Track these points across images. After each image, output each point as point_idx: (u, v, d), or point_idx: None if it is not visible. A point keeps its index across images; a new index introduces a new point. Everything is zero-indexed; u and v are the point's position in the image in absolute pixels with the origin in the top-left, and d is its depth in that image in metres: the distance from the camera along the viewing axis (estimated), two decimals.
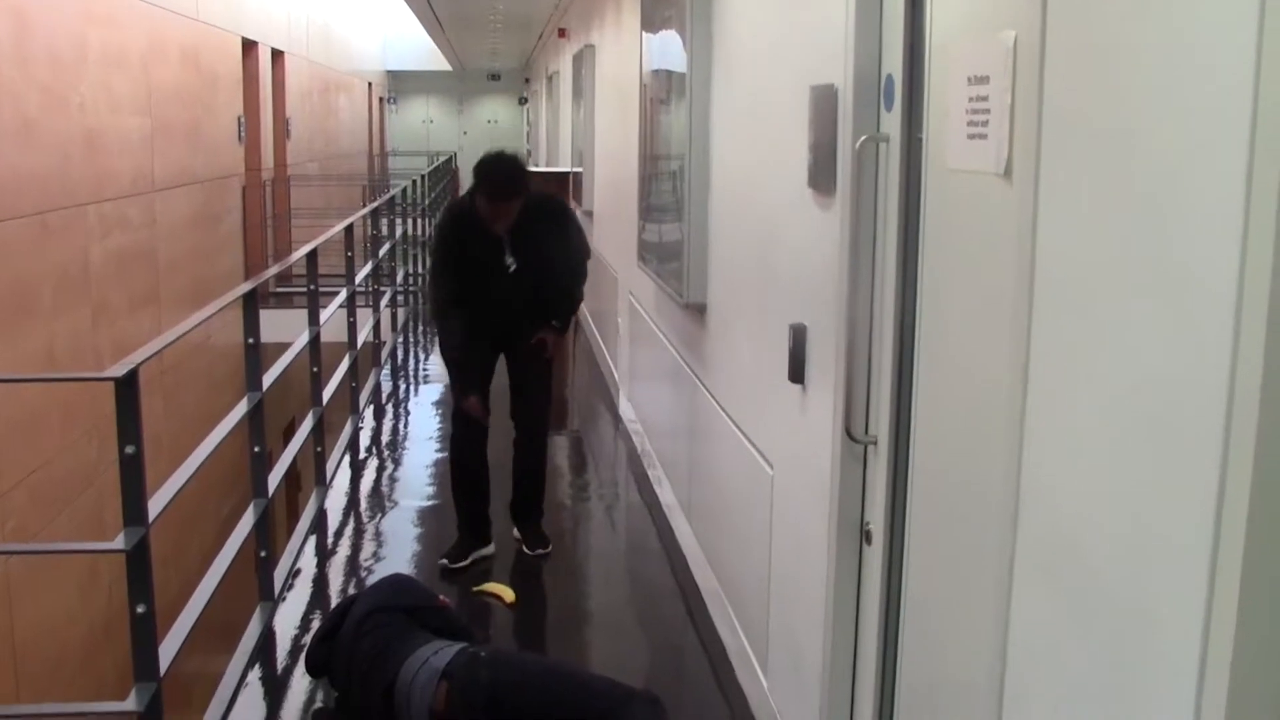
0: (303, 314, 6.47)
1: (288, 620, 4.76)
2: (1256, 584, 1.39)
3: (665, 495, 6.01)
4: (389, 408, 9.03)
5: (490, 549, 5.35)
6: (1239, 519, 1.39)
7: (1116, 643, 1.66)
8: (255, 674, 4.31)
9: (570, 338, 5.93)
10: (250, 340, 4.85)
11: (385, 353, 10.12)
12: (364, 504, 6.49)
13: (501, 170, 4.99)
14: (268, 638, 4.59)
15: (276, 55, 16.16)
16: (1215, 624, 1.43)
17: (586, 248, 5.55)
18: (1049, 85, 1.87)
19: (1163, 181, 1.56)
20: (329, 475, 6.54)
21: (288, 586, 5.06)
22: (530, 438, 5.49)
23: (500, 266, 5.11)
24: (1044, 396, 1.89)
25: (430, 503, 6.24)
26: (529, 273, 5.15)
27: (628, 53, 7.51)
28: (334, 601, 4.90)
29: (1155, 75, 1.58)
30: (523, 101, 35.74)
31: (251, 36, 14.34)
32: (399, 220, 13.05)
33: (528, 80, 33.07)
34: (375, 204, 11.15)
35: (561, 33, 15.20)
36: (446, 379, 5.79)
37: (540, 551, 5.44)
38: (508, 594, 4.94)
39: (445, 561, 5.23)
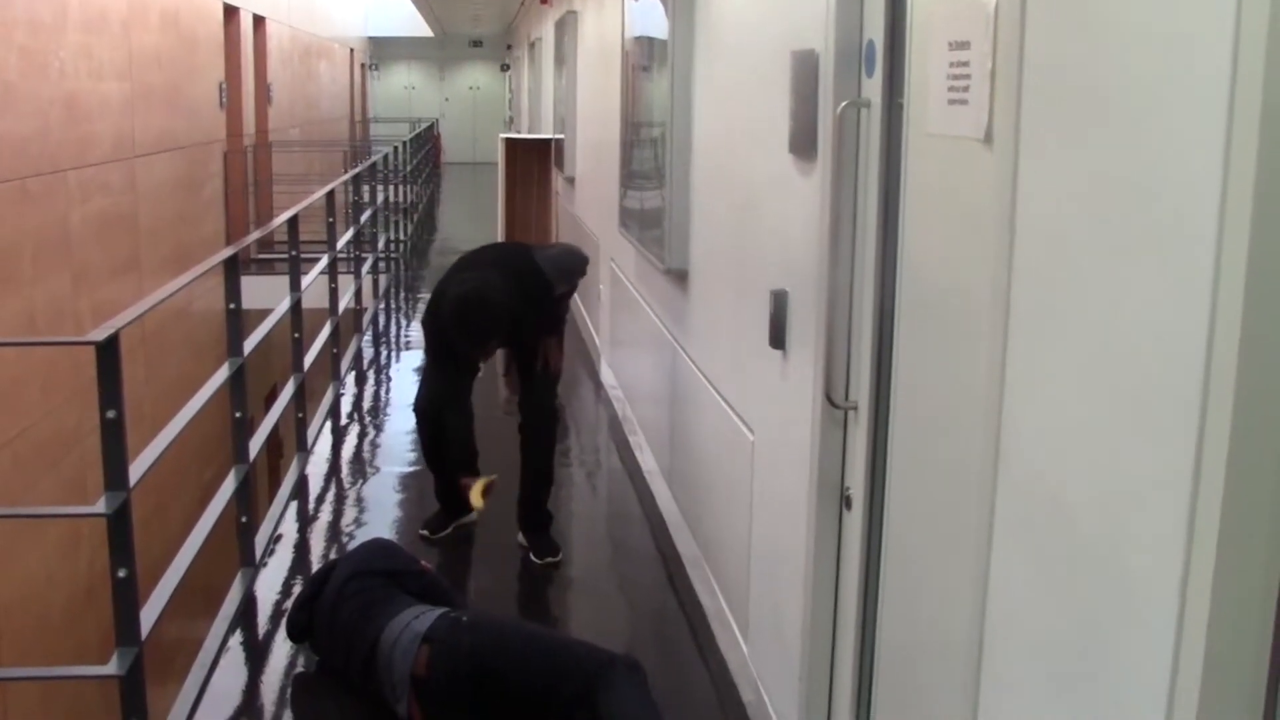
0: (284, 280, 6.46)
1: (269, 585, 4.77)
2: (1233, 540, 1.40)
3: (646, 461, 6.02)
4: (370, 374, 9.02)
5: (473, 515, 5.32)
6: (1217, 478, 1.40)
7: (1094, 602, 1.67)
8: (236, 639, 4.31)
9: None
10: (232, 306, 4.84)
11: (367, 319, 10.10)
12: (345, 470, 6.49)
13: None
14: (249, 603, 4.60)
15: (258, 21, 16.04)
16: (1193, 581, 1.44)
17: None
18: (1030, 50, 1.87)
19: (1142, 145, 1.57)
20: (310, 441, 6.54)
21: (269, 552, 5.07)
22: (537, 433, 5.17)
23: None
24: (1023, 360, 1.90)
25: (411, 468, 6.24)
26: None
27: (610, 19, 7.48)
28: (315, 567, 4.91)
29: (1136, 39, 1.59)
30: (505, 68, 35.57)
31: (233, 2, 14.22)
32: (380, 187, 13.01)
33: (510, 47, 32.90)
34: (357, 170, 11.09)
35: None
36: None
37: (550, 560, 4.98)
38: (476, 498, 4.77)
39: (425, 532, 5.24)
